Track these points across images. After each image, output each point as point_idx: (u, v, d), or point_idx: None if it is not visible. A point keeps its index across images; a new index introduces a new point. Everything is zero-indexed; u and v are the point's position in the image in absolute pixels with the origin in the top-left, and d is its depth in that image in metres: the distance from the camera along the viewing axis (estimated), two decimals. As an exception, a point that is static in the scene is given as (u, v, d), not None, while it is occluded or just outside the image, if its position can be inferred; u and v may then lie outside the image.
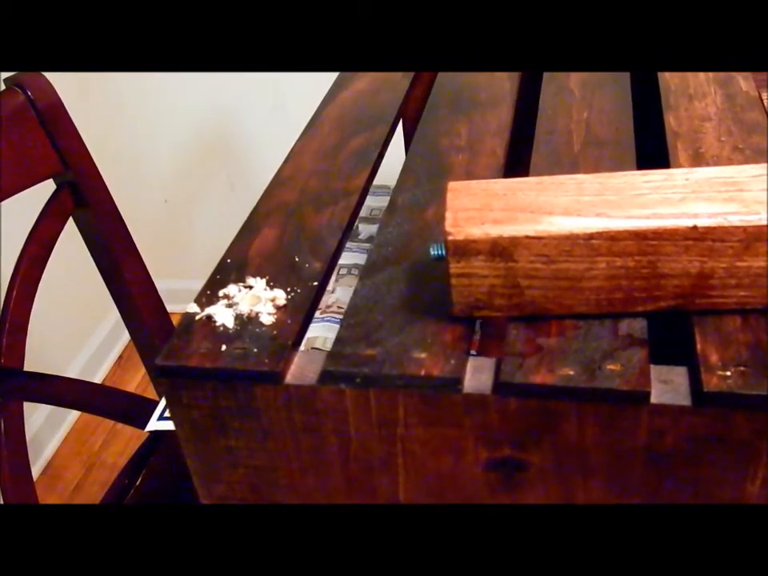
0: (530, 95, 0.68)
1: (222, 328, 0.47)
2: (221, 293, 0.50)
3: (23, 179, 0.94)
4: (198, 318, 0.48)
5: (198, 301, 0.49)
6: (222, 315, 0.48)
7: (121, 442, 1.99)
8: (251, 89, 1.88)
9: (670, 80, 0.66)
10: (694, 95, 0.63)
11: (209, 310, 0.48)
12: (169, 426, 0.91)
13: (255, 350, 0.45)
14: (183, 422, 0.47)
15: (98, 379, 2.09)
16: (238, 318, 0.48)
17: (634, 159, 0.57)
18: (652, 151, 0.60)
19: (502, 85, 0.70)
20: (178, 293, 1.66)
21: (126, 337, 2.18)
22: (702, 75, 0.66)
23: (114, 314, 2.12)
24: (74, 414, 2.00)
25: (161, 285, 1.13)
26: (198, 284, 0.51)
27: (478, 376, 0.43)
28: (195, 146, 2.03)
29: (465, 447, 0.44)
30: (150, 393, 1.93)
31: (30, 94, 0.92)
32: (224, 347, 0.46)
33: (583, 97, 0.66)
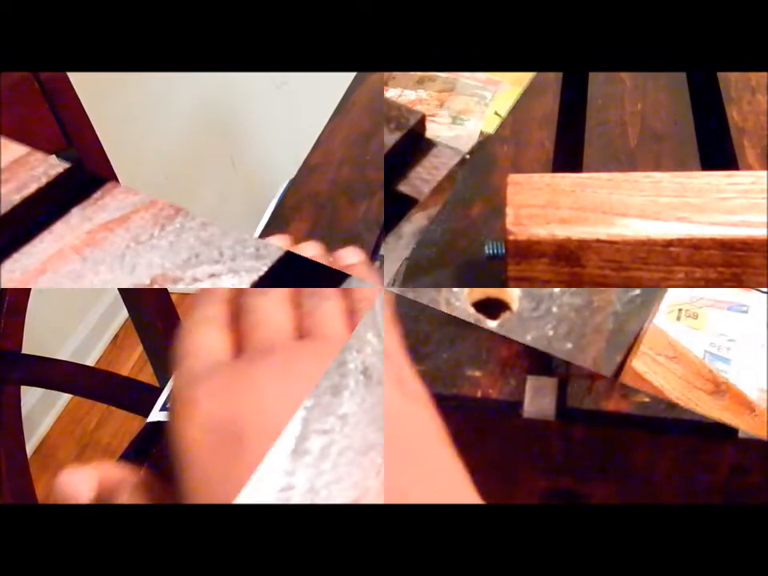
0: (575, 82, 0.63)
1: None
2: (247, 292, 0.45)
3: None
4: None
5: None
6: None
7: (115, 423, 1.95)
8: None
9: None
10: (756, 88, 0.58)
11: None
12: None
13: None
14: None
15: (91, 360, 2.05)
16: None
17: (697, 156, 0.53)
18: (711, 147, 0.56)
19: (546, 70, 0.65)
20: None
21: (120, 318, 2.13)
22: (764, 66, 0.61)
23: (108, 296, 2.07)
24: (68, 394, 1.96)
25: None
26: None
27: (539, 399, 0.38)
28: (197, 122, 1.97)
29: (520, 475, 0.40)
30: (144, 375, 1.88)
31: (33, 63, 0.86)
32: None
33: (635, 86, 0.61)
